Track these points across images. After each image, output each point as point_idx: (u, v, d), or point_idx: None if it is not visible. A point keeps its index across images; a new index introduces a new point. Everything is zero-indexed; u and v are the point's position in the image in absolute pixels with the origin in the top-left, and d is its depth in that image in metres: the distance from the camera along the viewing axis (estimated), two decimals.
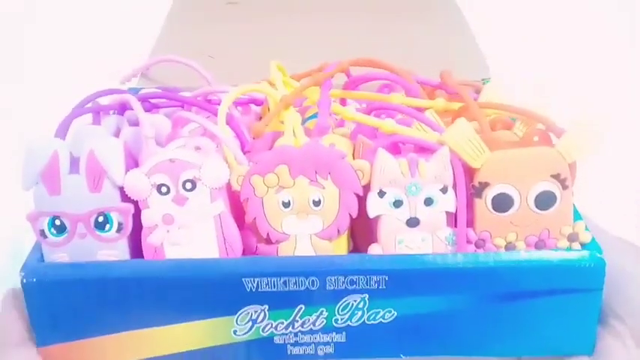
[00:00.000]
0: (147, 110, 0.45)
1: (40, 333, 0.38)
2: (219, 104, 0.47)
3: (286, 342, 0.38)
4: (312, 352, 0.38)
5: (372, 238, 0.39)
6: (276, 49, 0.60)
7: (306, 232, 0.38)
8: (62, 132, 0.41)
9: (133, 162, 0.39)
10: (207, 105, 0.45)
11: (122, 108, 0.44)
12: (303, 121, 0.44)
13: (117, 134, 0.43)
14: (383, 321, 0.37)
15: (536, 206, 0.37)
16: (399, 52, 0.57)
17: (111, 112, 0.45)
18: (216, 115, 0.43)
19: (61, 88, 0.67)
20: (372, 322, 0.37)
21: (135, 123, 0.43)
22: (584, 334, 0.37)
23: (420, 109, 0.42)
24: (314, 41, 0.60)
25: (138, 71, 0.55)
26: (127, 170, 0.38)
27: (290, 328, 0.38)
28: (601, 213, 0.42)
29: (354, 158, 0.41)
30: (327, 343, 0.38)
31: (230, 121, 0.42)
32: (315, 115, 0.45)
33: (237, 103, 0.48)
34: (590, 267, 0.36)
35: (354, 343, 0.38)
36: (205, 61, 0.58)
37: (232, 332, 0.38)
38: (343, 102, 0.48)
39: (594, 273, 0.36)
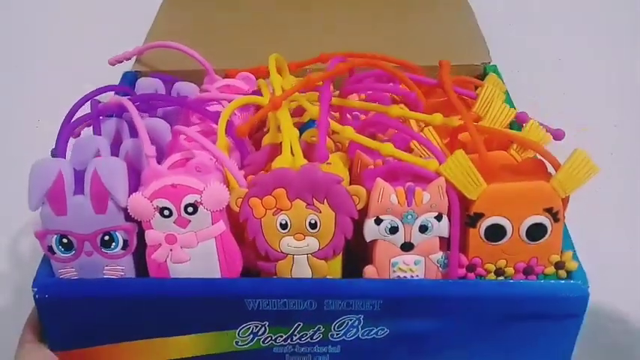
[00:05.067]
0: (144, 110, 0.46)
1: (54, 340, 0.40)
2: (215, 101, 0.48)
3: (285, 352, 0.40)
4: None
5: (366, 248, 0.41)
6: (274, 34, 0.60)
7: (302, 252, 0.39)
8: (63, 139, 0.42)
9: (134, 175, 0.40)
10: (206, 111, 0.45)
11: (121, 108, 0.44)
12: (301, 127, 0.44)
13: (117, 138, 0.44)
14: (376, 337, 0.40)
15: (527, 237, 0.38)
16: (401, 36, 0.56)
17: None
18: (212, 120, 0.43)
19: (56, 75, 0.67)
20: (366, 337, 0.40)
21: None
22: (562, 353, 0.40)
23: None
24: (314, 26, 0.59)
25: (130, 54, 0.54)
26: (130, 184, 0.39)
27: (289, 341, 0.40)
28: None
29: (351, 172, 0.42)
30: (323, 354, 0.41)
31: (230, 130, 0.43)
32: (312, 124, 0.45)
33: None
34: (574, 297, 0.38)
35: (348, 355, 0.40)
36: (201, 45, 0.57)
37: (234, 343, 0.40)
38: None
39: (578, 302, 0.38)
